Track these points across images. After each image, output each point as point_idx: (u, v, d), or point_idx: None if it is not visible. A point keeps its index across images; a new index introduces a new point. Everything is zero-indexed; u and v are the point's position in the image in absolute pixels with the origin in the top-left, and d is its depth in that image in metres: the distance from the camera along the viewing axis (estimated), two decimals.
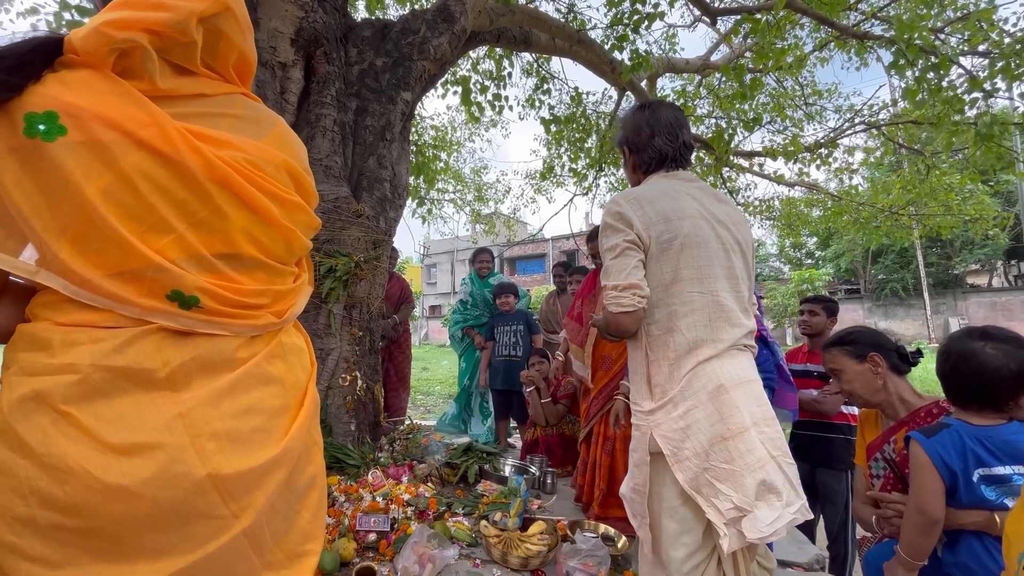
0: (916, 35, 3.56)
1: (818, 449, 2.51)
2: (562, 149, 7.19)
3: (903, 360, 1.55)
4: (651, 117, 1.35)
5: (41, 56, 0.67)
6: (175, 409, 0.68)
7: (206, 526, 0.69)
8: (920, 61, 3.66)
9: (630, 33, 4.24)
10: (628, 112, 1.44)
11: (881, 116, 6.57)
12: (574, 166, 7.16)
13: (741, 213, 1.37)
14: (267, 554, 0.76)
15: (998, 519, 1.20)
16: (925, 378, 8.18)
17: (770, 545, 1.93)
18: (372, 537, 1.98)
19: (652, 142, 1.34)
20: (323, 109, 2.93)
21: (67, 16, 3.80)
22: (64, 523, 0.62)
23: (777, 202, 8.70)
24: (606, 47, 5.08)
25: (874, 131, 6.60)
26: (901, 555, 1.29)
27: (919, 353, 1.59)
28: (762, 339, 2.21)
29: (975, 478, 1.22)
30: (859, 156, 7.43)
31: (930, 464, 1.24)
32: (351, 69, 3.24)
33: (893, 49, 3.93)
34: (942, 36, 4.67)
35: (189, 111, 0.75)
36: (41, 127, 0.63)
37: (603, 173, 7.31)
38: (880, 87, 7.46)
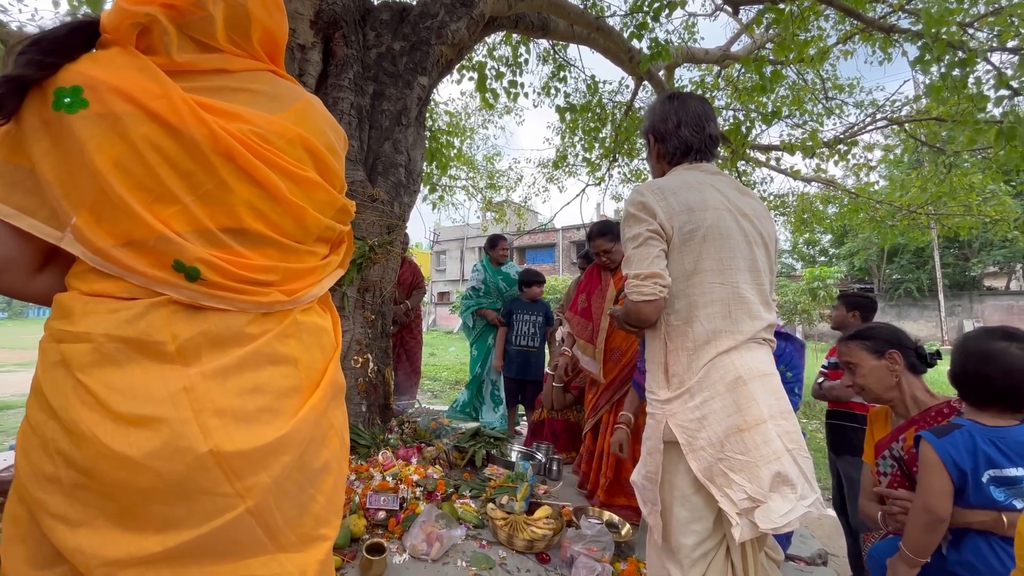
0: (944, 29, 3.47)
1: (844, 437, 2.55)
2: (576, 138, 7.14)
3: (921, 360, 1.55)
4: (679, 107, 1.35)
5: (77, 38, 0.70)
6: (181, 383, 0.68)
7: (211, 502, 0.69)
8: (947, 56, 3.58)
9: (650, 21, 4.18)
10: (656, 101, 1.44)
11: (903, 112, 6.44)
12: (587, 155, 7.11)
13: (764, 207, 1.36)
14: (280, 537, 0.76)
15: (1005, 519, 1.21)
16: (936, 379, 8.11)
17: (784, 538, 1.95)
18: (382, 515, 2.03)
19: (678, 132, 1.34)
20: (340, 92, 2.94)
21: None
22: (84, 483, 0.65)
23: (792, 198, 8.60)
24: (625, 35, 5.01)
25: (895, 127, 6.47)
26: (904, 552, 1.30)
27: (938, 355, 1.58)
28: (786, 336, 2.21)
29: (985, 479, 1.22)
30: (878, 153, 7.30)
31: (940, 464, 1.23)
32: (369, 52, 3.23)
33: (919, 44, 3.84)
34: (970, 31, 4.54)
35: (205, 85, 0.75)
36: (66, 100, 0.66)
37: (616, 163, 7.26)
38: (904, 82, 7.23)
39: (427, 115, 4.29)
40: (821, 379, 2.68)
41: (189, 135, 0.69)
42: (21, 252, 0.70)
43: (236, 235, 0.75)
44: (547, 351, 4.02)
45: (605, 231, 2.64)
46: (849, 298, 2.74)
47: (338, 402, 0.90)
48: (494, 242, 4.32)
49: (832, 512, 3.02)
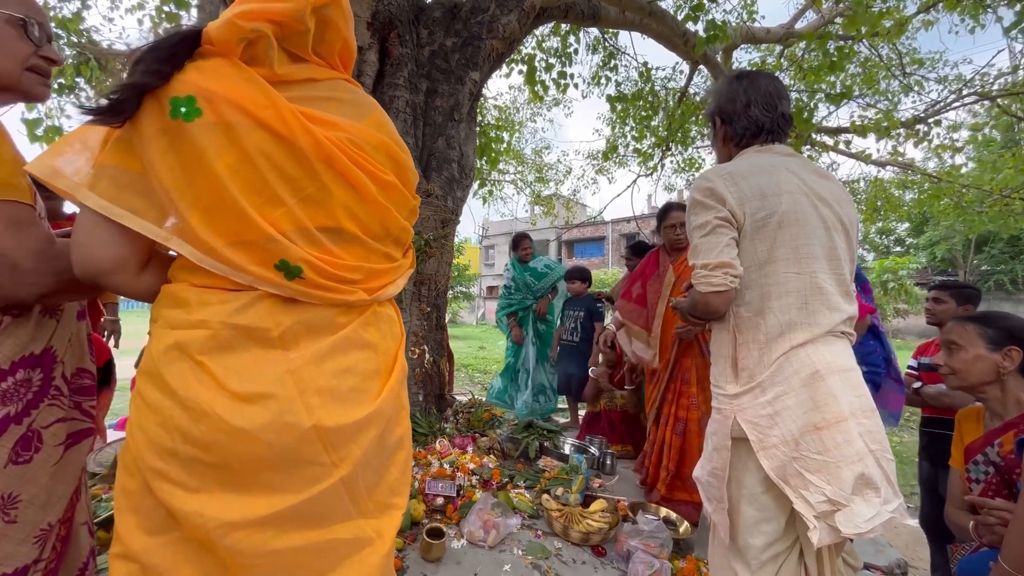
0: None
1: (947, 448, 2.34)
2: (627, 128, 6.96)
3: None
4: (748, 86, 1.27)
5: (185, 47, 0.75)
6: (286, 366, 0.76)
7: (311, 471, 0.77)
8: None
9: (705, 2, 4.00)
10: (722, 81, 1.36)
11: (995, 86, 5.80)
12: (639, 146, 6.92)
13: (845, 190, 1.27)
14: (361, 503, 0.84)
15: None
16: None
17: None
18: (440, 501, 2.08)
19: (748, 112, 1.26)
20: (396, 91, 3.02)
21: (167, 9, 4.13)
22: (200, 456, 0.72)
23: (863, 184, 7.99)
24: (679, 18, 4.83)
25: (986, 103, 5.84)
26: (1003, 566, 1.19)
27: None
28: (873, 329, 2.04)
29: None
30: (965, 132, 6.63)
31: None
32: (422, 50, 3.30)
33: (1017, 7, 3.45)
34: None
35: (302, 95, 0.82)
36: (183, 109, 0.71)
37: (670, 152, 7.02)
38: (998, 52, 6.35)
39: (477, 110, 4.34)
40: (918, 384, 2.38)
41: (296, 143, 0.75)
42: (130, 252, 0.76)
43: (331, 234, 0.81)
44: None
45: (684, 205, 2.57)
46: (960, 290, 2.46)
47: (405, 385, 0.97)
48: (516, 242, 4.51)
49: (912, 522, 2.81)
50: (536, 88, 5.41)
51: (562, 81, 5.49)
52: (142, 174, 0.74)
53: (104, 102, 0.70)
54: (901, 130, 5.72)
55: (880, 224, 10.22)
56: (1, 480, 0.83)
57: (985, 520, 1.35)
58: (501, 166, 8.32)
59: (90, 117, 0.70)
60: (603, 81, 6.23)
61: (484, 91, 4.85)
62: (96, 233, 0.74)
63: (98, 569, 1.36)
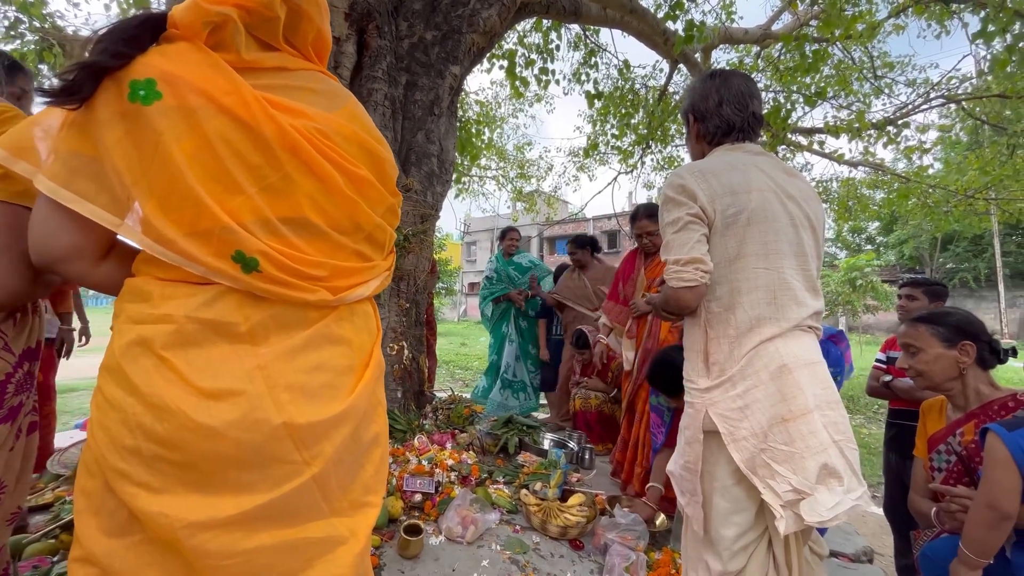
0: None
1: (913, 439, 2.40)
2: (607, 125, 7.01)
3: (994, 355, 1.46)
4: (721, 85, 1.29)
5: (148, 30, 0.72)
6: (255, 361, 0.73)
7: (281, 469, 0.74)
8: (1016, 25, 3.32)
9: (685, 1, 4.04)
10: (696, 79, 1.38)
11: (961, 90, 6.01)
12: (619, 143, 6.97)
13: (812, 188, 1.30)
14: (334, 502, 0.82)
15: None
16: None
17: (822, 532, 1.89)
18: (418, 498, 2.07)
19: (719, 111, 1.28)
20: (374, 84, 2.97)
21: None
22: (163, 455, 0.69)
23: (835, 184, 8.20)
24: (659, 16, 4.88)
25: (952, 106, 6.05)
26: (964, 552, 1.24)
27: (1013, 352, 1.49)
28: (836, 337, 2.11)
29: None
30: (933, 134, 6.86)
31: (1009, 459, 1.17)
32: (401, 43, 3.25)
33: (981, 15, 3.58)
34: None
35: (271, 83, 0.79)
36: (141, 92, 0.68)
37: (650, 150, 7.09)
38: (963, 57, 6.54)
39: (458, 105, 4.31)
40: (889, 377, 2.43)
41: (259, 130, 0.72)
42: (85, 239, 0.73)
43: (294, 226, 0.78)
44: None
45: (652, 212, 2.60)
46: (931, 287, 2.52)
47: (381, 381, 0.95)
48: (503, 234, 4.52)
49: (876, 509, 2.91)
50: (517, 84, 5.40)
51: (543, 77, 5.49)
52: (95, 157, 0.70)
53: (59, 83, 0.67)
54: (872, 131, 5.88)
55: (851, 223, 10.50)
56: (2, 465, 0.90)
57: (947, 507, 1.40)
58: (483, 162, 8.28)
59: (47, 99, 0.68)
60: (584, 78, 6.25)
61: (465, 86, 4.83)
62: (52, 218, 0.71)
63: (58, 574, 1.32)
